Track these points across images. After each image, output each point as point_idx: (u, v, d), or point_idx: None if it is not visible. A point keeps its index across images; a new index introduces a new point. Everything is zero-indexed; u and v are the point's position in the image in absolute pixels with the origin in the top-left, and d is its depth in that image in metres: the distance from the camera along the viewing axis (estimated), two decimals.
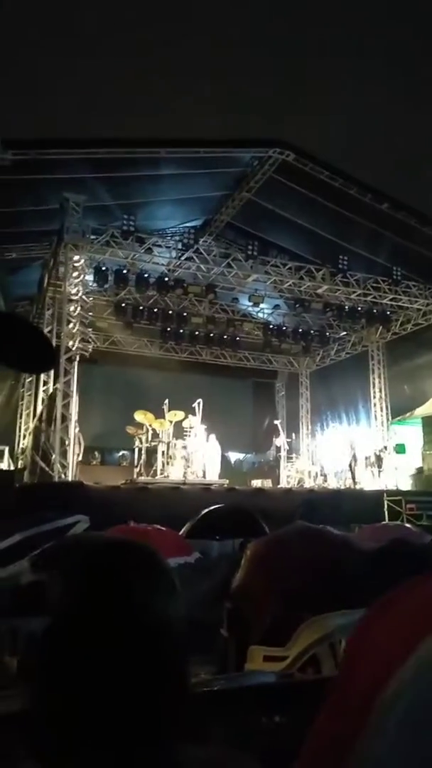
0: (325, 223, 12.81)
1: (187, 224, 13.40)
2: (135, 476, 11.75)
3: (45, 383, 12.51)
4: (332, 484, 13.26)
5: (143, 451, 12.16)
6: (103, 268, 11.73)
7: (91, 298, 12.26)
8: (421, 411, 13.59)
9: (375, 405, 14.80)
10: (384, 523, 5.86)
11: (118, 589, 0.66)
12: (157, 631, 0.65)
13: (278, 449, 14.12)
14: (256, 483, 13.36)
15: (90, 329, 12.28)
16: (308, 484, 13.33)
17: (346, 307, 13.12)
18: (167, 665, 0.65)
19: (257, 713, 0.81)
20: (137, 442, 12.38)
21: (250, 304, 13.59)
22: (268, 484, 13.42)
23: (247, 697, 0.84)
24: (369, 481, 13.19)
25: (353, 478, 12.89)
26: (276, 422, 14.80)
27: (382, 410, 14.67)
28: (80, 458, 11.48)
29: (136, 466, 12.17)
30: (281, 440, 13.97)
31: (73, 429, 10.58)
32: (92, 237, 11.20)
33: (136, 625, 0.64)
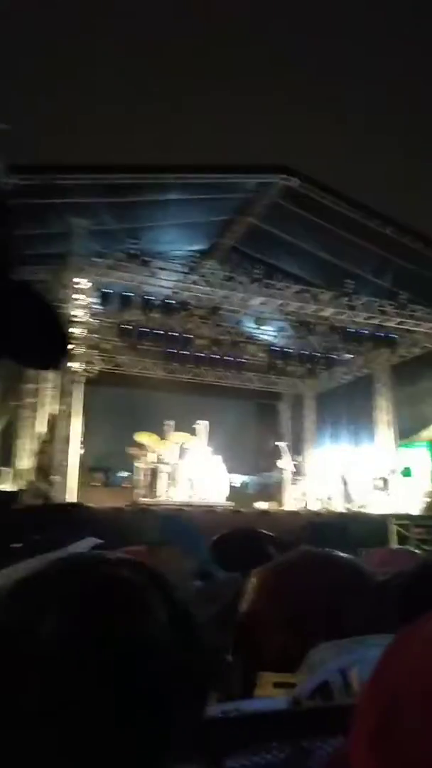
0: (331, 248, 12.91)
1: (192, 248, 13.54)
2: (137, 498, 11.66)
3: (49, 405, 12.51)
4: (339, 506, 13.10)
5: (146, 473, 12.09)
6: (108, 291, 11.82)
7: (96, 321, 12.34)
8: (428, 434, 13.50)
9: (381, 428, 14.72)
10: (391, 547, 5.77)
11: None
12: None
13: (283, 471, 14.02)
14: (261, 505, 13.23)
15: (95, 351, 12.34)
16: (313, 506, 13.18)
17: (352, 330, 13.14)
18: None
19: (267, 739, 0.77)
20: (139, 464, 12.32)
21: (255, 326, 13.63)
22: (273, 506, 13.29)
23: (258, 723, 0.80)
24: (376, 505, 13.04)
25: (349, 499, 12.76)
26: (280, 444, 14.72)
27: (388, 432, 14.58)
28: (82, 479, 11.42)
29: (138, 488, 12.09)
30: (286, 462, 13.87)
31: (78, 451, 10.54)
32: (97, 260, 11.32)
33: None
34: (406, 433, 14.16)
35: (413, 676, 0.42)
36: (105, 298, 11.85)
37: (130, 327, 13.00)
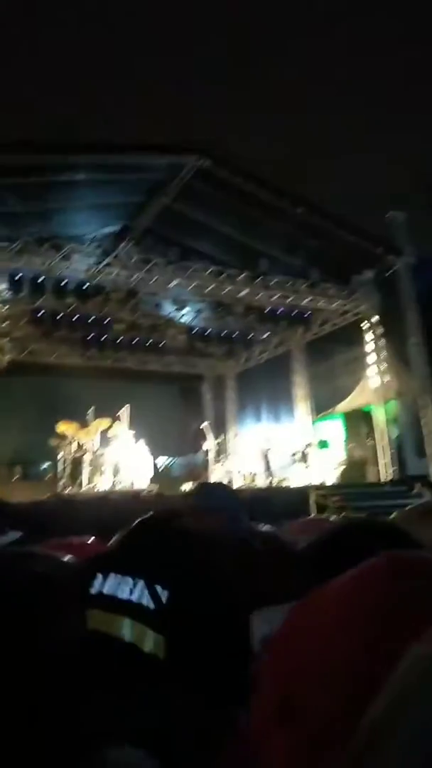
0: (243, 228, 13.06)
1: (105, 230, 13.20)
2: (60, 489, 11.40)
3: None
4: (262, 482, 13.49)
5: (68, 463, 11.82)
6: (18, 277, 11.30)
7: (5, 308, 11.79)
8: (342, 407, 14.16)
9: (298, 403, 15.25)
10: (311, 516, 6.03)
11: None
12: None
13: (207, 452, 14.20)
14: (186, 487, 13.35)
15: (6, 339, 11.80)
16: (237, 483, 13.49)
17: (267, 310, 13.42)
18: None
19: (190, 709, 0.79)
20: (61, 454, 12.02)
21: (173, 308, 13.59)
22: None
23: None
24: (296, 478, 13.55)
25: (270, 474, 13.19)
26: (203, 425, 14.88)
27: (305, 407, 15.14)
28: None
29: (61, 479, 11.81)
30: (209, 443, 14.06)
31: None
32: (4, 244, 10.77)
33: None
34: (322, 407, 14.76)
35: (317, 646, 0.43)
36: (14, 283, 11.32)
37: (44, 314, 12.54)
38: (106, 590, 0.69)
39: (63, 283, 11.72)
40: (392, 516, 1.49)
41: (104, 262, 11.80)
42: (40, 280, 11.44)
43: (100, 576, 0.71)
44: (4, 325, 11.51)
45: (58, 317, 12.56)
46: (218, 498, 2.11)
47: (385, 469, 12.64)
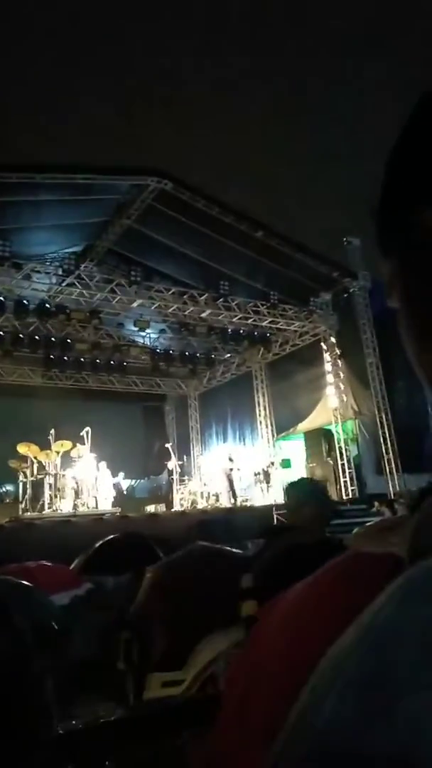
0: (205, 250, 13.27)
1: (68, 250, 13.17)
2: (21, 512, 11.12)
3: None
4: (225, 502, 13.49)
5: (29, 485, 11.56)
6: None
7: None
8: (303, 426, 14.37)
9: (261, 422, 15.41)
10: None
11: None
12: None
13: (171, 472, 14.14)
14: (150, 509, 13.24)
15: None
16: (201, 504, 13.47)
17: (229, 330, 13.60)
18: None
19: (157, 738, 0.83)
20: (22, 476, 11.75)
21: (136, 329, 13.60)
22: (162, 508, 13.36)
23: (147, 723, 0.85)
24: (259, 497, 13.62)
25: (234, 494, 13.21)
26: (167, 445, 14.83)
27: (267, 427, 15.31)
28: None
29: (21, 502, 11.53)
30: (173, 463, 14.02)
31: None
32: None
33: None
34: (284, 427, 14.95)
35: (271, 643, 0.46)
36: None
37: (4, 333, 12.35)
38: None
39: (24, 302, 11.60)
40: (351, 533, 1.56)
41: (66, 282, 11.76)
42: (1, 299, 11.29)
43: None
44: None
45: (19, 336, 12.40)
46: (308, 491, 2.24)
47: (345, 488, 12.86)
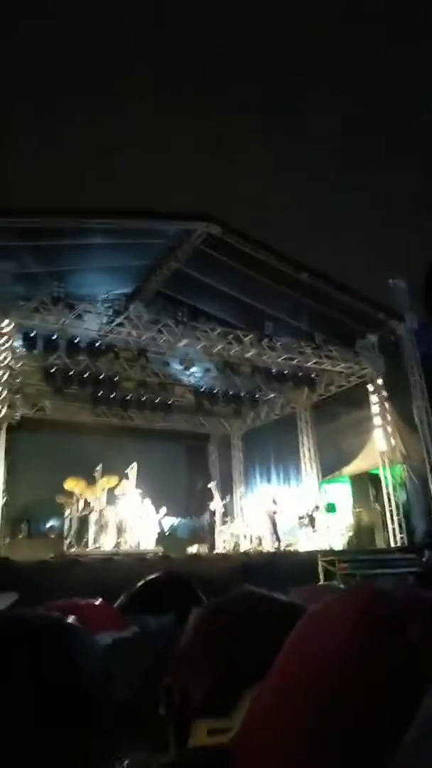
0: (250, 291, 13.46)
1: (118, 291, 13.64)
2: (65, 548, 11.22)
3: None
4: (268, 546, 13.21)
5: (74, 521, 11.69)
6: (32, 334, 11.61)
7: (19, 364, 12.03)
8: (349, 470, 14.03)
9: (305, 464, 15.15)
10: (318, 584, 5.92)
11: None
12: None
13: (213, 513, 14.01)
14: (192, 549, 13.09)
15: (18, 395, 11.97)
16: (243, 546, 13.22)
17: (273, 371, 13.61)
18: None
19: None
20: (68, 512, 11.90)
21: (181, 367, 13.80)
22: (203, 549, 13.18)
23: None
24: (303, 541, 13.27)
25: (277, 538, 12.91)
26: (210, 485, 14.75)
27: (312, 469, 15.02)
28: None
29: (66, 537, 11.64)
30: (215, 503, 13.89)
31: (0, 500, 10.06)
32: (21, 303, 11.14)
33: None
34: (329, 469, 14.64)
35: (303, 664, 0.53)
36: (29, 341, 11.62)
37: (56, 370, 12.78)
38: None
39: (75, 341, 12.00)
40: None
41: (116, 322, 12.12)
42: (53, 338, 11.73)
43: None
44: (16, 381, 11.70)
45: (69, 374, 12.79)
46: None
47: (393, 535, 12.39)
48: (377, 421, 13.40)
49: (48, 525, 13.55)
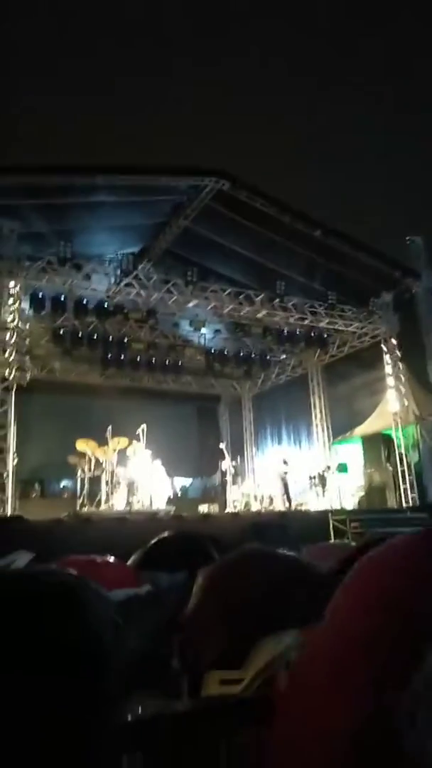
0: (262, 250, 13.16)
1: (126, 250, 13.41)
2: (78, 507, 11.39)
3: None
4: (279, 505, 13.33)
5: (86, 481, 11.83)
6: (40, 295, 11.50)
7: (27, 326, 11.96)
8: (360, 430, 14.00)
9: (316, 426, 15.13)
10: (330, 542, 5.94)
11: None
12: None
13: (224, 473, 14.11)
14: (203, 508, 13.26)
15: (27, 357, 11.94)
16: (254, 507, 13.35)
17: (285, 331, 13.43)
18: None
19: (213, 736, 0.81)
20: (80, 472, 12.04)
21: (192, 329, 13.66)
22: (214, 509, 13.34)
23: (210, 718, 0.84)
24: (314, 501, 13.37)
25: (288, 498, 13.02)
26: (221, 446, 14.81)
27: (323, 430, 15.01)
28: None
29: (79, 497, 11.81)
30: (226, 464, 13.98)
31: (11, 461, 10.17)
32: (28, 263, 10.99)
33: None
34: (340, 430, 14.61)
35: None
36: (37, 302, 11.52)
37: (64, 332, 12.70)
38: None
39: (83, 302, 11.87)
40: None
41: (124, 282, 11.95)
42: (61, 299, 11.61)
43: None
44: (25, 342, 11.66)
45: (78, 336, 12.72)
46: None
47: (405, 495, 12.42)
48: (390, 381, 13.26)
49: (61, 485, 13.77)
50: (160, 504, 11.76)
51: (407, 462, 12.61)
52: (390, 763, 0.38)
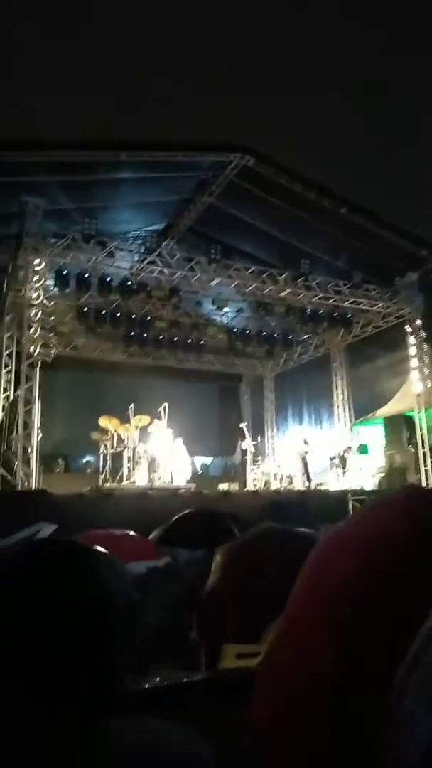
0: (286, 228, 12.97)
1: (149, 228, 13.35)
2: (100, 483, 11.61)
3: (5, 390, 12.22)
4: (299, 485, 13.39)
5: (108, 457, 12.03)
6: (65, 272, 11.57)
7: (52, 303, 12.08)
8: (383, 411, 13.89)
9: (338, 406, 15.06)
10: None
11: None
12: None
13: (244, 452, 14.19)
14: (223, 487, 13.38)
15: (52, 334, 12.08)
16: (274, 486, 13.43)
17: (308, 311, 13.31)
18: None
19: (229, 707, 0.84)
20: (102, 448, 12.25)
21: (214, 307, 13.63)
22: (234, 487, 13.46)
23: (228, 690, 0.88)
24: (333, 482, 13.39)
25: (308, 478, 13.05)
26: (241, 425, 14.87)
27: (344, 411, 14.94)
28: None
29: (102, 473, 12.03)
30: (247, 443, 14.04)
31: (36, 436, 10.37)
32: (53, 240, 11.05)
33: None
34: (362, 411, 14.52)
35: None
36: (61, 279, 11.60)
37: (88, 310, 12.79)
38: None
39: (107, 280, 11.91)
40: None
41: (147, 260, 11.94)
42: (85, 276, 11.67)
43: None
44: (51, 319, 11.79)
45: (102, 313, 12.79)
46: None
47: (426, 477, 12.35)
48: (414, 362, 13.09)
49: (84, 461, 14.02)
50: (180, 482, 11.91)
51: (429, 444, 12.52)
52: (367, 713, 0.40)
